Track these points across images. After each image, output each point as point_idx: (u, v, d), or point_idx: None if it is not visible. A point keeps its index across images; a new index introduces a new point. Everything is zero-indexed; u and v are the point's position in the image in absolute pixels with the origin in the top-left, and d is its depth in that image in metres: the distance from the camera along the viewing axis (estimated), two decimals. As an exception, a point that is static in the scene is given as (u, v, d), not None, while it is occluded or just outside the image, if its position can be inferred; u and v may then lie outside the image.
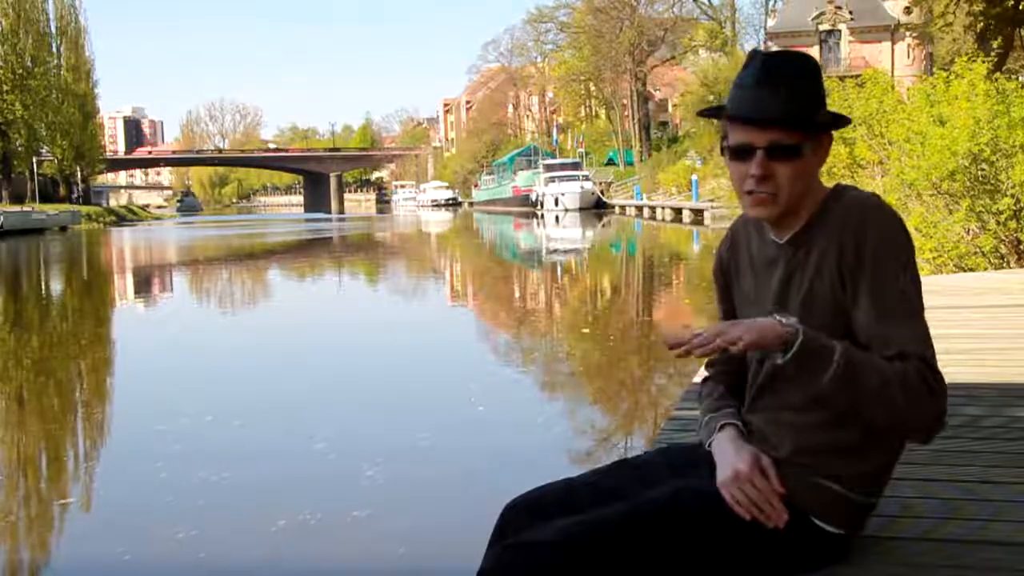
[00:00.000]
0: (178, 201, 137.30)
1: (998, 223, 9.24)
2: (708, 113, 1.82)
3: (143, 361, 10.16)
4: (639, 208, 46.62)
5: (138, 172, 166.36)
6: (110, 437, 6.85)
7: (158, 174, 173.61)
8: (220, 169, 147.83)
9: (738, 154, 1.73)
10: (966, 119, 9.20)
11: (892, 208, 1.74)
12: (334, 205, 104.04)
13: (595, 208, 52.31)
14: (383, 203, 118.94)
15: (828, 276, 1.71)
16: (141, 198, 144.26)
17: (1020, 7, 18.48)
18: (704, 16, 62.72)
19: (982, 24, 18.93)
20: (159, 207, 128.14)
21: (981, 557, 1.95)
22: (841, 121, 1.79)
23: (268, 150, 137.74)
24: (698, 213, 35.99)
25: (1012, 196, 9.13)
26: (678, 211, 39.13)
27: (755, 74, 1.71)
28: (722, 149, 1.78)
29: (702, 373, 2.23)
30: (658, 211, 42.06)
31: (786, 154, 1.70)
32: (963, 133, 9.10)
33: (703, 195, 39.13)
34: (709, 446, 1.88)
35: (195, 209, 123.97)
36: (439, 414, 6.94)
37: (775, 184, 1.71)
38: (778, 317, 1.67)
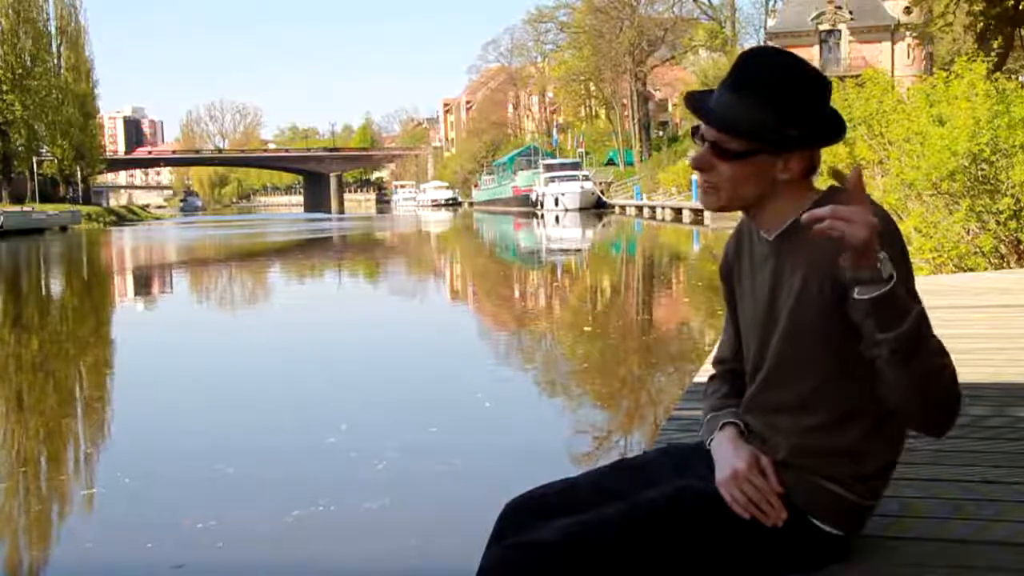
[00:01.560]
0: (181, 201, 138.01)
1: (998, 223, 9.23)
2: (690, 98, 1.79)
3: (156, 359, 10.18)
4: (639, 208, 46.61)
5: (138, 172, 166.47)
6: (129, 431, 6.87)
7: (158, 174, 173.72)
8: (220, 169, 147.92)
9: (702, 141, 1.74)
10: (966, 119, 9.18)
11: (884, 210, 1.70)
12: (334, 205, 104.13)
13: (595, 208, 52.31)
14: (383, 203, 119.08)
15: (817, 276, 1.68)
16: (141, 198, 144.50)
17: (1020, 7, 18.51)
18: (704, 16, 62.79)
19: (982, 24, 18.97)
20: (159, 207, 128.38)
21: (983, 557, 1.94)
22: (823, 140, 1.72)
23: (268, 150, 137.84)
24: (698, 213, 35.94)
25: (1012, 196, 9.11)
26: (678, 211, 39.12)
27: (730, 80, 1.71)
28: (694, 132, 1.78)
29: (705, 371, 2.23)
30: (658, 211, 42.04)
31: (727, 156, 1.70)
32: (963, 133, 9.09)
33: (703, 195, 39.03)
34: (709, 444, 1.88)
35: (199, 208, 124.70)
36: (439, 413, 6.93)
37: (716, 177, 1.72)
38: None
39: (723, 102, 1.70)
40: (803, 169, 1.72)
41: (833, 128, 1.72)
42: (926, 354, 1.55)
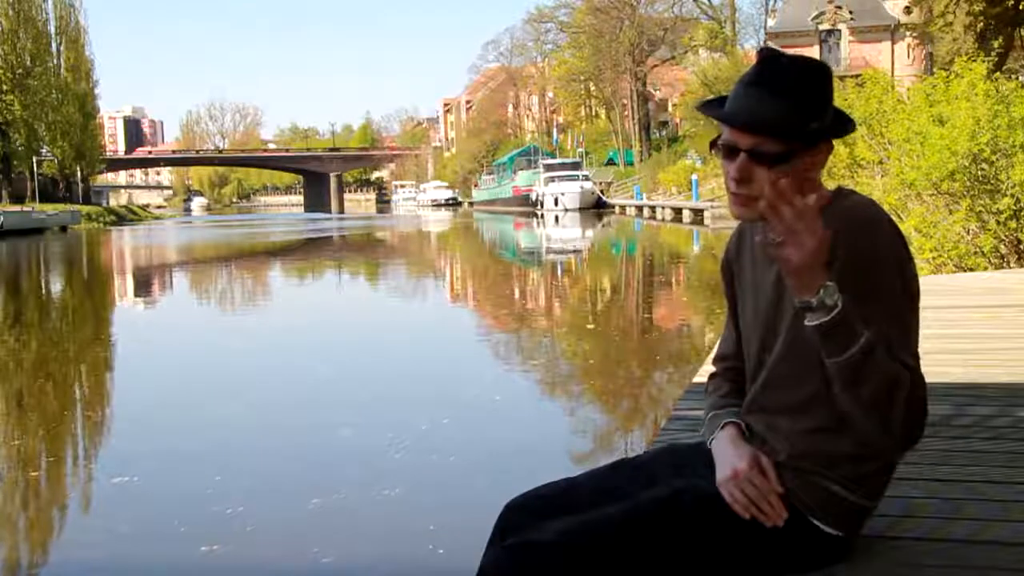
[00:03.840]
0: (184, 200, 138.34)
1: (998, 223, 9.23)
2: (705, 108, 1.79)
3: (171, 357, 10.22)
4: (639, 208, 46.60)
5: (138, 172, 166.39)
6: (153, 425, 6.94)
7: (158, 174, 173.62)
8: (220, 169, 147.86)
9: (725, 152, 1.72)
10: (966, 119, 9.18)
11: (888, 216, 1.71)
12: (334, 205, 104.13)
13: (595, 208, 52.29)
14: (383, 203, 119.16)
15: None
16: (141, 198, 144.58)
17: (1020, 7, 18.53)
18: (704, 16, 62.71)
19: (982, 24, 18.99)
20: (159, 207, 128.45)
21: (984, 557, 1.94)
22: (842, 129, 1.74)
23: (268, 150, 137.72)
24: (698, 213, 35.97)
25: (1012, 196, 9.11)
26: (678, 211, 39.10)
27: (753, 78, 1.69)
28: (712, 145, 1.77)
29: (705, 371, 2.22)
30: (658, 211, 42.04)
31: (768, 161, 1.67)
32: (963, 133, 9.09)
33: (703, 195, 39.13)
34: (710, 444, 1.88)
35: (203, 207, 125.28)
36: (439, 413, 6.91)
37: (755, 187, 1.69)
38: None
39: (748, 106, 1.68)
40: (826, 161, 1.74)
41: (845, 115, 1.75)
42: (870, 383, 1.56)
